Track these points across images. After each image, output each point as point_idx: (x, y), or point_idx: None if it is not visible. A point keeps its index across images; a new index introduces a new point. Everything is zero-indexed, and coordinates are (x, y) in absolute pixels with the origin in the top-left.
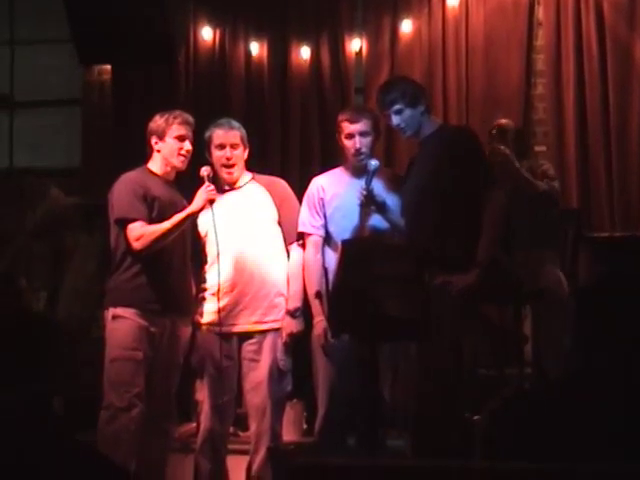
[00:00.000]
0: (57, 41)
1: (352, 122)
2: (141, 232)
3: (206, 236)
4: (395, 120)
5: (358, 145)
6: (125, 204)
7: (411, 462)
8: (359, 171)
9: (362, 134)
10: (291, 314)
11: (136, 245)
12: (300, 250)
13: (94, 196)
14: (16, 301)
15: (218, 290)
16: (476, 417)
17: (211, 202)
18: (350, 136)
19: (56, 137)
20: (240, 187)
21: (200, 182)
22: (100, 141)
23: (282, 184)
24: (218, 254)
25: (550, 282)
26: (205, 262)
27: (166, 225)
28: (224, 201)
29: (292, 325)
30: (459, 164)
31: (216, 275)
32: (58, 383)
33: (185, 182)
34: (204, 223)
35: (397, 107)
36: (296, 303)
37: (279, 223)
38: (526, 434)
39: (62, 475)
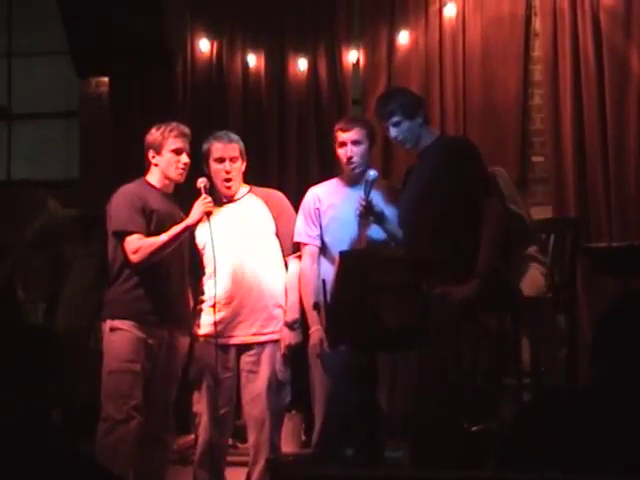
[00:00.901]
0: (55, 53)
1: (344, 131)
2: (138, 245)
3: (204, 248)
4: (393, 132)
5: (350, 153)
6: (123, 216)
7: (410, 473)
8: (355, 181)
9: (354, 143)
10: (289, 326)
11: (133, 258)
12: (298, 262)
13: (92, 208)
14: (15, 312)
15: (214, 303)
16: (474, 428)
17: (208, 214)
18: (343, 144)
19: (54, 149)
20: (238, 199)
21: (197, 193)
22: (98, 153)
23: (279, 196)
24: (215, 267)
25: (530, 289)
26: (204, 274)
27: (163, 238)
28: (222, 214)
29: (290, 337)
30: (457, 174)
31: (214, 287)
32: (57, 394)
33: (182, 192)
34: (202, 235)
35: (395, 119)
36: (294, 315)
37: (277, 235)
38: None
39: None
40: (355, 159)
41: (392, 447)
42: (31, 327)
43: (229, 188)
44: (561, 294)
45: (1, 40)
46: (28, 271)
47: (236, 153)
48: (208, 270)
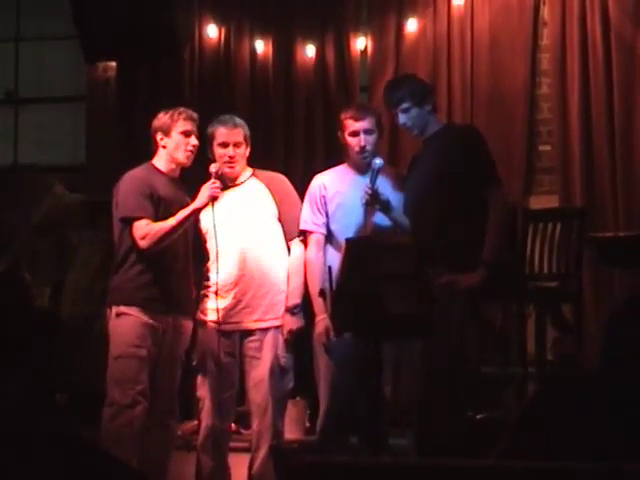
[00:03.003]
0: (62, 37)
1: (357, 120)
2: (147, 230)
3: (207, 233)
4: (402, 119)
5: (363, 143)
6: (131, 203)
7: (414, 461)
8: (362, 168)
9: (367, 132)
10: (290, 311)
11: (142, 244)
12: (301, 246)
13: (98, 193)
14: (20, 296)
15: (217, 289)
16: (479, 416)
17: (213, 199)
18: (355, 134)
19: (61, 134)
20: (240, 184)
21: (205, 179)
22: (105, 138)
23: (282, 180)
24: (217, 252)
25: None
26: (208, 259)
27: (171, 222)
28: (225, 198)
29: (292, 322)
30: (464, 161)
31: (216, 273)
32: (60, 379)
33: (189, 178)
34: (206, 220)
35: (404, 105)
36: (295, 300)
37: (279, 219)
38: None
39: (63, 469)
40: (368, 148)
41: (396, 434)
42: (37, 311)
43: (232, 168)
44: (567, 283)
45: (9, 24)
46: (34, 255)
47: (240, 138)
48: (211, 256)
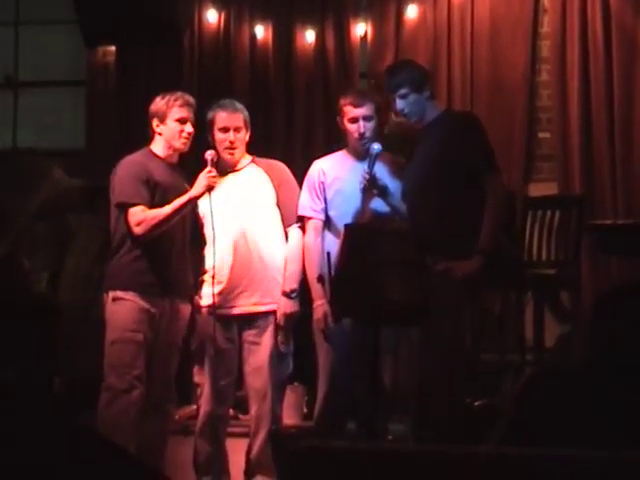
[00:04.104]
0: (62, 22)
1: (356, 106)
2: (142, 217)
3: (204, 218)
4: (400, 104)
5: (362, 129)
6: (127, 188)
7: (412, 447)
8: (361, 155)
9: (366, 118)
10: (287, 295)
11: (137, 230)
12: (299, 232)
13: (98, 177)
14: (19, 282)
15: (213, 274)
16: (477, 402)
17: (210, 188)
18: (354, 120)
19: (60, 118)
20: (240, 170)
21: (203, 165)
22: (104, 122)
23: (281, 167)
24: (214, 238)
25: None
26: (205, 244)
27: (166, 210)
28: (224, 184)
29: (287, 306)
30: (462, 148)
31: (213, 258)
32: (58, 363)
33: (187, 164)
34: (204, 205)
35: (403, 91)
36: (292, 284)
37: (278, 206)
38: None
39: (61, 455)
40: (368, 134)
41: (395, 420)
42: (35, 297)
43: (232, 155)
44: (565, 271)
45: (9, 8)
46: (33, 240)
47: (240, 123)
48: (208, 240)
